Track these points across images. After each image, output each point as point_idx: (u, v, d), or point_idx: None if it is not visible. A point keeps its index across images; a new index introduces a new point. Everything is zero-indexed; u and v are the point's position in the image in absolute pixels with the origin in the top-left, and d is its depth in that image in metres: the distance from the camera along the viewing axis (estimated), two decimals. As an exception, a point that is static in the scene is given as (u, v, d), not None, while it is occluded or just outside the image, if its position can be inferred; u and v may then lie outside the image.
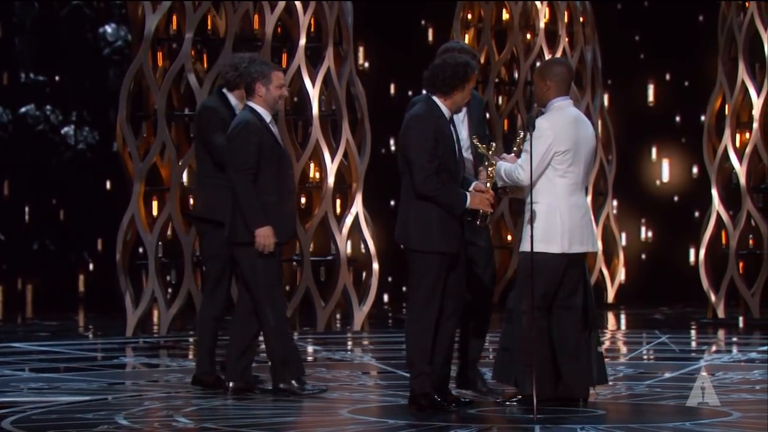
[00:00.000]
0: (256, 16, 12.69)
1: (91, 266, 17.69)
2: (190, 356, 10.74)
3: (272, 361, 7.61)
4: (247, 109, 7.64)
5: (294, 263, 13.01)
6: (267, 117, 7.62)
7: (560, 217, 6.96)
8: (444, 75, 6.99)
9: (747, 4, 13.75)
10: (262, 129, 7.55)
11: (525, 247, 6.97)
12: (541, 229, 6.93)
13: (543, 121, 6.98)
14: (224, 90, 8.01)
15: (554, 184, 6.97)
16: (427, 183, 6.87)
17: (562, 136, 6.97)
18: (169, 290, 12.99)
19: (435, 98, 7.05)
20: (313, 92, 12.54)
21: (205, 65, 12.92)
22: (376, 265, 12.77)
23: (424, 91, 7.23)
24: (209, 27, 12.81)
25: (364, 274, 12.82)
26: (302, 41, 12.58)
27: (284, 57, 12.89)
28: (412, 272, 6.98)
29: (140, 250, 13.00)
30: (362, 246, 12.66)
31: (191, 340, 11.77)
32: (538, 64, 15.30)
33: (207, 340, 7.95)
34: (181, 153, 12.59)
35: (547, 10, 15.80)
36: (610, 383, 8.07)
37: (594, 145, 7.10)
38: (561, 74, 7.06)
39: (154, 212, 12.63)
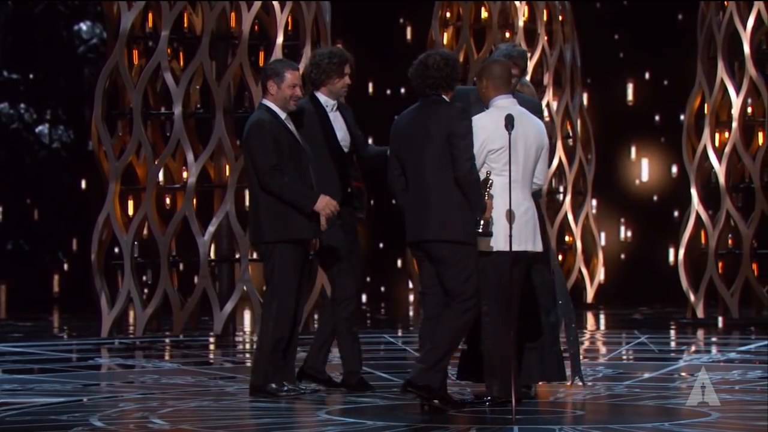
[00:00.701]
0: (233, 14, 12.66)
1: (65, 266, 17.62)
2: (166, 357, 10.71)
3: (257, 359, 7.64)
4: (262, 107, 7.59)
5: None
6: (282, 114, 7.55)
7: (495, 214, 7.02)
8: None
9: (726, 3, 13.81)
10: (277, 126, 7.48)
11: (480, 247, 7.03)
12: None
13: (478, 119, 7.08)
14: (314, 92, 7.86)
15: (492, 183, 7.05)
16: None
17: (495, 135, 7.04)
18: (145, 290, 12.95)
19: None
20: (291, 91, 12.51)
21: (182, 63, 12.88)
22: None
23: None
24: (185, 25, 12.78)
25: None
26: (280, 39, 12.56)
27: (261, 55, 12.87)
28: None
29: (116, 250, 12.96)
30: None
31: (167, 340, 11.74)
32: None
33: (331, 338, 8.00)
34: (158, 152, 12.56)
35: (525, 8, 15.83)
36: (589, 383, 8.09)
37: (541, 143, 7.11)
38: (498, 73, 7.17)
39: (130, 212, 12.60)
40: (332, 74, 7.77)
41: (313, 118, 7.76)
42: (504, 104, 7.10)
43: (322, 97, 7.81)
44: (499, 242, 7.01)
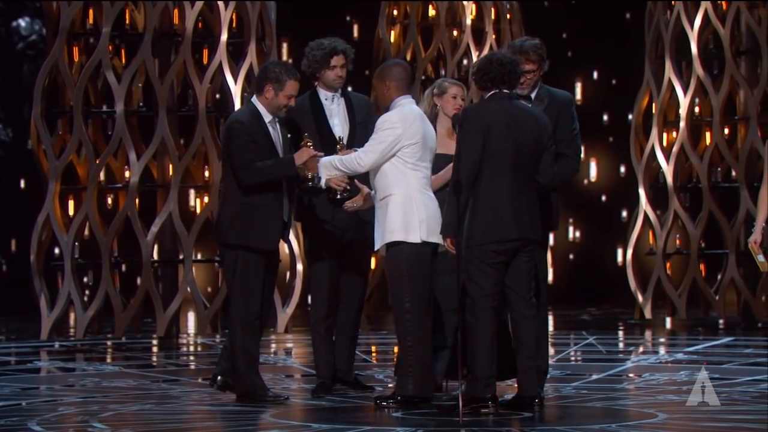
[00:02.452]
0: (175, 11, 12.62)
1: (4, 267, 17.46)
2: (108, 359, 10.65)
3: (222, 360, 7.64)
4: (249, 106, 7.55)
5: (216, 264, 12.96)
6: (267, 117, 7.51)
7: (416, 207, 7.16)
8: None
9: (673, 2, 13.94)
10: (256, 128, 7.44)
11: (388, 239, 7.13)
12: (400, 219, 7.11)
13: (393, 115, 7.26)
14: (315, 85, 7.79)
15: (407, 177, 7.20)
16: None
17: (411, 129, 7.21)
18: (86, 292, 12.88)
19: None
20: (236, 89, 12.50)
21: (123, 61, 12.82)
22: (300, 266, 12.76)
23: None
24: (127, 21, 12.72)
25: (288, 275, 12.80)
26: (224, 37, 12.53)
27: (205, 53, 12.84)
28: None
29: (56, 250, 12.88)
30: (285, 247, 12.64)
31: (109, 343, 11.67)
32: (465, 61, 15.39)
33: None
34: (99, 151, 12.49)
35: (473, 7, 15.89)
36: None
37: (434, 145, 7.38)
38: (399, 74, 7.33)
39: (71, 212, 12.52)
40: (320, 66, 7.71)
41: (308, 114, 7.69)
42: (406, 103, 7.30)
43: (321, 91, 7.77)
44: (418, 232, 7.14)
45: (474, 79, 7.14)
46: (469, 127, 6.98)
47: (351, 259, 7.75)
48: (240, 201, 7.43)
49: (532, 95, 7.53)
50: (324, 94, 7.78)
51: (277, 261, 7.78)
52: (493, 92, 7.08)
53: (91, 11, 12.59)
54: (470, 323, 6.93)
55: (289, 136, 7.61)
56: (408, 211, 7.15)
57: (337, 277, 7.73)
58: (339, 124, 7.74)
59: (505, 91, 7.06)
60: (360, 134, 7.68)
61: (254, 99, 7.57)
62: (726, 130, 13.92)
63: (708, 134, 13.90)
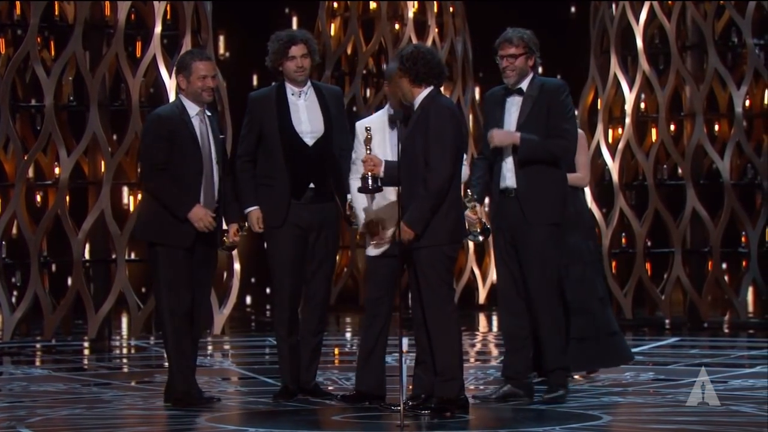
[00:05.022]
0: (107, 2, 12.53)
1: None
2: (37, 363, 10.56)
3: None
4: (174, 101, 7.53)
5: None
6: (193, 110, 7.44)
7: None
8: None
9: (619, -3, 14.04)
10: (177, 121, 7.38)
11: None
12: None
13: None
14: (284, 81, 7.65)
15: None
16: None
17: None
18: (14, 293, 12.75)
19: None
20: (170, 83, 12.42)
21: (53, 53, 12.71)
22: (237, 266, 12.72)
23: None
24: (56, 13, 12.60)
25: (225, 275, 12.76)
26: (158, 29, 12.46)
27: (138, 46, 12.75)
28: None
29: (-18, 250, 12.74)
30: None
31: (38, 345, 11.55)
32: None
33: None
34: (27, 147, 12.37)
35: (415, -1, 15.92)
36: (481, 387, 8.18)
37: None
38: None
39: (-2, 210, 12.40)
40: (278, 57, 7.57)
41: (272, 108, 7.55)
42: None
43: (287, 85, 7.61)
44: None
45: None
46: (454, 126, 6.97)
47: (311, 261, 7.64)
48: (152, 198, 7.42)
49: (524, 87, 7.58)
50: (290, 89, 7.61)
51: (211, 256, 7.59)
52: (432, 88, 7.11)
53: (17, 2, 12.47)
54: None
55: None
56: None
57: (299, 278, 7.59)
58: (307, 121, 7.57)
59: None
60: (336, 127, 7.57)
61: (179, 96, 7.54)
62: (672, 127, 14.05)
63: (654, 131, 14.02)
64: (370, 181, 7.02)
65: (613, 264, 14.06)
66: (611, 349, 8.31)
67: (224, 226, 7.57)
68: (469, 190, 7.58)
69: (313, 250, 7.61)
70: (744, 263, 13.81)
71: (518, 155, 7.48)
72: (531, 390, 7.57)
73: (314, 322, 7.66)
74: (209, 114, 7.55)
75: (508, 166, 7.59)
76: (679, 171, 13.82)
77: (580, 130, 8.07)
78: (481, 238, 7.54)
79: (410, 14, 15.89)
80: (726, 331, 13.14)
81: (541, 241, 7.43)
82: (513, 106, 7.61)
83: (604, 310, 8.30)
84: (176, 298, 7.39)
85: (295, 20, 17.45)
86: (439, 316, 6.96)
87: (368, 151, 7.01)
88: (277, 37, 7.64)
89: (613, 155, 13.94)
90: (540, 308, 7.47)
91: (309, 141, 7.57)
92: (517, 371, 7.56)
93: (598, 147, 14.01)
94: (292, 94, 7.63)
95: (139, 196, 12.61)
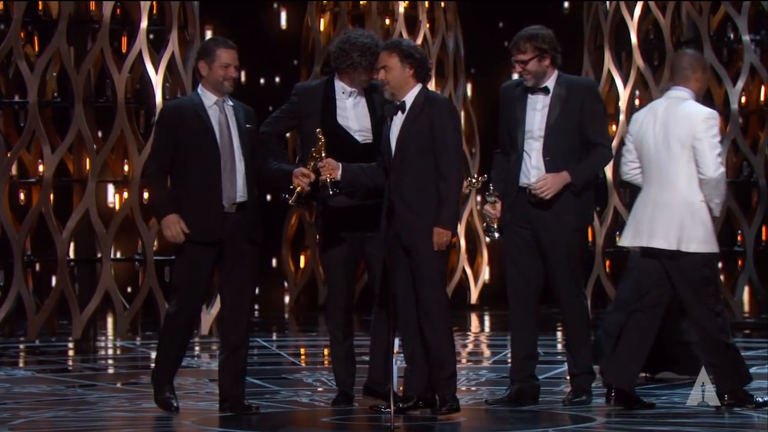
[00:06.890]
0: (92, -3, 12.52)
1: None
2: (20, 364, 10.55)
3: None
4: (193, 92, 7.42)
5: (136, 263, 12.88)
6: (210, 100, 7.28)
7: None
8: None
9: (613, -9, 14.06)
10: (190, 113, 7.21)
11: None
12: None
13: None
14: (333, 76, 7.53)
15: None
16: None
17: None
18: (-3, 293, 12.74)
19: None
20: (156, 79, 12.41)
21: (36, 49, 12.69)
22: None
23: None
24: (40, 7, 12.59)
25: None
26: (144, 24, 12.44)
27: (124, 41, 12.74)
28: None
29: (-35, 249, 12.72)
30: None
31: (21, 346, 11.55)
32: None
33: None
34: (11, 144, 12.36)
35: (407, -6, 15.91)
36: (473, 388, 8.19)
37: None
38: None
39: (-20, 208, 12.37)
40: (361, 69, 7.41)
41: (317, 101, 7.44)
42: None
43: (338, 83, 7.49)
44: None
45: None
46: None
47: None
48: (174, 186, 7.26)
49: (551, 86, 7.45)
50: (342, 87, 7.49)
51: (245, 253, 7.26)
52: (422, 86, 7.16)
53: (1, -3, 12.46)
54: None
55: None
56: None
57: (353, 280, 7.56)
58: (355, 119, 7.44)
59: None
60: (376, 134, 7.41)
61: (199, 85, 7.39)
62: (667, 124, 14.07)
63: (648, 128, 14.03)
64: (329, 187, 6.99)
65: (608, 263, 14.08)
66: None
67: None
68: (491, 185, 7.49)
69: (363, 250, 7.49)
70: (740, 262, 13.83)
71: (576, 188, 7.37)
72: (537, 391, 7.55)
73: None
74: (232, 104, 7.37)
75: (533, 162, 7.44)
76: (674, 169, 13.83)
77: None
78: (497, 234, 7.51)
79: (401, 9, 15.89)
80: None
81: (572, 242, 7.38)
82: (537, 104, 7.47)
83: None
84: (185, 299, 7.24)
85: (283, 15, 17.44)
86: (438, 315, 7.00)
87: (320, 157, 7.02)
88: (362, 49, 7.42)
89: (607, 152, 13.94)
90: (567, 310, 7.48)
91: (359, 139, 7.44)
92: (528, 374, 7.54)
93: (591, 144, 14.02)
94: (343, 92, 7.51)
95: (125, 194, 12.61)
